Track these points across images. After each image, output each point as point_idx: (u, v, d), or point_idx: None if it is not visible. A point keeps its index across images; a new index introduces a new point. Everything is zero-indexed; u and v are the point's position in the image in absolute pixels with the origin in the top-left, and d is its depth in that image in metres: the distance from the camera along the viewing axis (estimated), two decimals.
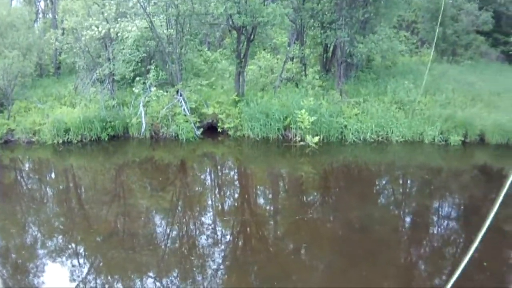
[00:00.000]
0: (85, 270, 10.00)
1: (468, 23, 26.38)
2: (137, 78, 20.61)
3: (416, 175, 16.04)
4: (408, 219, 12.57)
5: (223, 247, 10.94)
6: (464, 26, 26.38)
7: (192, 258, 10.33)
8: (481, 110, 18.87)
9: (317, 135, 18.34)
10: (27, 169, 19.23)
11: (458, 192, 14.41)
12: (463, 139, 18.03)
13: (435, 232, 11.69)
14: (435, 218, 12.55)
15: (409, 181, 15.95)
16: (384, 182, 16.00)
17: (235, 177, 17.28)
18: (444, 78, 22.38)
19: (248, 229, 12.08)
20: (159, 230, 12.19)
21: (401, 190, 15.13)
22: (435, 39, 21.97)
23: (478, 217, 12.06)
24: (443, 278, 9.30)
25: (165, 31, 20.71)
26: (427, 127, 18.32)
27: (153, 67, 20.77)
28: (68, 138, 20.26)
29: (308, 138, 18.11)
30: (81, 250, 10.96)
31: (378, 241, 10.79)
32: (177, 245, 11.23)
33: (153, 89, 20.05)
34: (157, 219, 13.03)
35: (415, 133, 18.37)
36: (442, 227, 11.96)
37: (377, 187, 15.47)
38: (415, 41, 29.04)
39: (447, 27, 26.14)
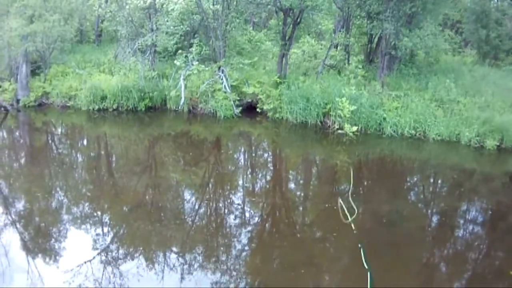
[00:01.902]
0: (109, 239, 9.96)
1: None
2: (179, 51, 20.56)
3: (448, 175, 15.79)
4: (435, 219, 12.40)
5: (249, 228, 10.90)
6: (507, 31, 25.95)
7: (218, 236, 10.30)
8: None
9: (355, 124, 18.21)
10: (59, 133, 19.35)
11: (487, 197, 14.09)
12: (498, 144, 17.66)
13: (460, 234, 11.50)
14: (461, 221, 12.35)
15: (440, 181, 15.73)
16: (416, 179, 15.81)
17: (269, 159, 17.21)
18: (485, 81, 22.01)
19: (276, 212, 11.98)
20: (187, 205, 12.13)
21: (431, 189, 14.96)
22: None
23: (504, 224, 12.05)
24: (463, 282, 9.30)
25: (211, 6, 20.57)
26: (465, 128, 17.94)
27: (196, 42, 20.70)
28: (104, 106, 20.41)
29: (347, 126, 18.00)
30: (106, 218, 10.97)
31: (404, 237, 10.67)
32: (204, 222, 11.20)
33: (195, 63, 19.98)
34: (187, 194, 12.98)
35: (452, 133, 18.02)
36: (467, 231, 11.77)
37: (409, 183, 15.30)
38: (458, 41, 28.65)
39: (491, 30, 25.76)
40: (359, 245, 9.34)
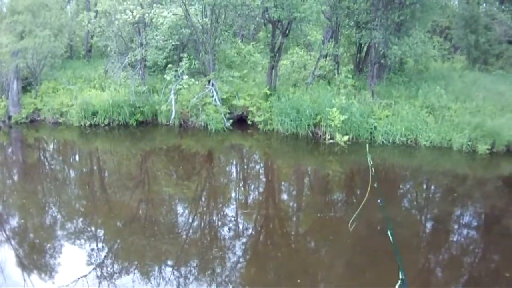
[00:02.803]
0: (103, 254, 9.92)
1: (501, 32, 26.07)
2: (169, 66, 20.63)
3: (441, 181, 15.74)
4: (429, 225, 12.39)
5: (244, 240, 10.85)
6: (496, 35, 26.11)
7: (213, 249, 10.23)
8: (510, 121, 18.44)
9: (346, 134, 18.26)
10: (51, 149, 19.31)
11: (481, 202, 14.09)
12: (490, 148, 17.69)
13: (455, 239, 11.46)
14: (455, 226, 12.29)
15: (433, 187, 15.71)
16: (409, 186, 15.79)
17: (261, 171, 17.19)
18: (475, 86, 22.09)
19: (270, 223, 11.97)
20: (181, 219, 12.11)
21: (424, 195, 14.93)
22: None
23: (498, 227, 11.99)
24: (459, 286, 9.27)
25: (200, 20, 20.66)
26: (456, 134, 18.00)
27: (186, 56, 20.76)
28: (95, 121, 20.42)
29: (338, 136, 18.04)
30: (100, 234, 10.93)
31: (399, 243, 10.65)
32: (198, 235, 11.15)
33: (185, 77, 20.02)
34: (180, 208, 12.94)
35: (443, 139, 18.08)
36: (462, 235, 11.71)
37: (402, 190, 15.28)
38: (448, 47, 28.82)
39: (480, 35, 25.91)
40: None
